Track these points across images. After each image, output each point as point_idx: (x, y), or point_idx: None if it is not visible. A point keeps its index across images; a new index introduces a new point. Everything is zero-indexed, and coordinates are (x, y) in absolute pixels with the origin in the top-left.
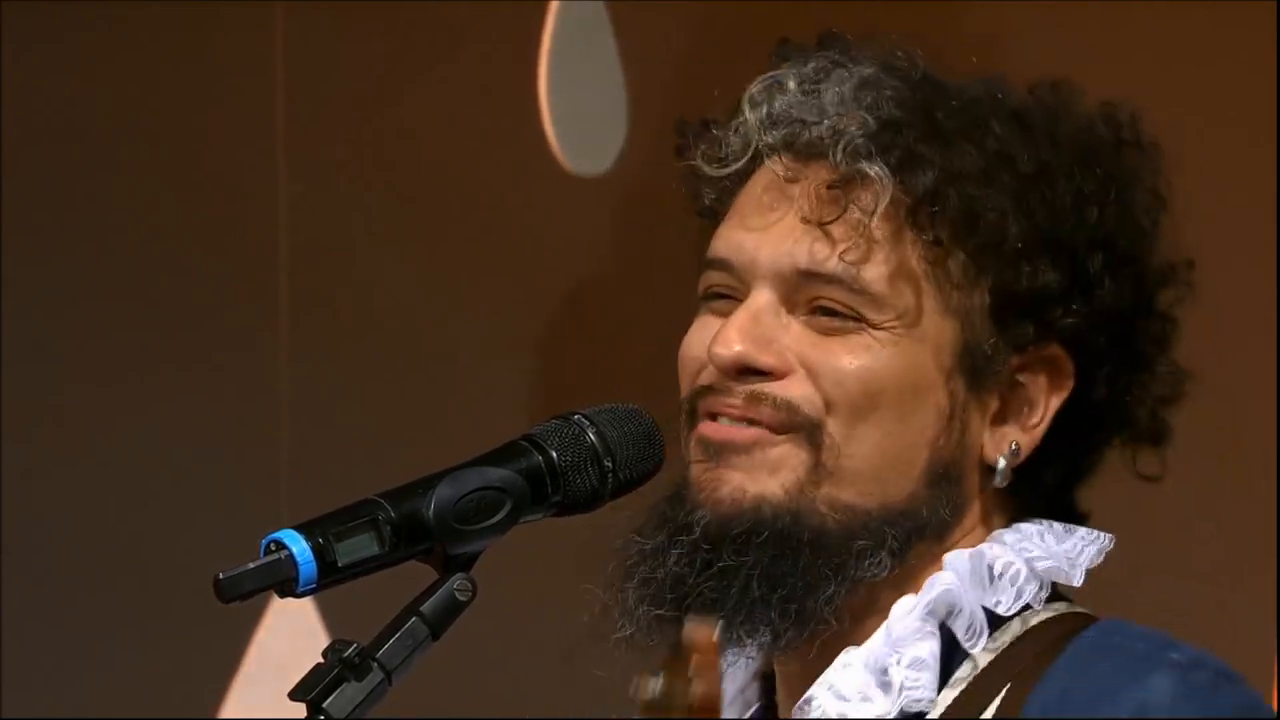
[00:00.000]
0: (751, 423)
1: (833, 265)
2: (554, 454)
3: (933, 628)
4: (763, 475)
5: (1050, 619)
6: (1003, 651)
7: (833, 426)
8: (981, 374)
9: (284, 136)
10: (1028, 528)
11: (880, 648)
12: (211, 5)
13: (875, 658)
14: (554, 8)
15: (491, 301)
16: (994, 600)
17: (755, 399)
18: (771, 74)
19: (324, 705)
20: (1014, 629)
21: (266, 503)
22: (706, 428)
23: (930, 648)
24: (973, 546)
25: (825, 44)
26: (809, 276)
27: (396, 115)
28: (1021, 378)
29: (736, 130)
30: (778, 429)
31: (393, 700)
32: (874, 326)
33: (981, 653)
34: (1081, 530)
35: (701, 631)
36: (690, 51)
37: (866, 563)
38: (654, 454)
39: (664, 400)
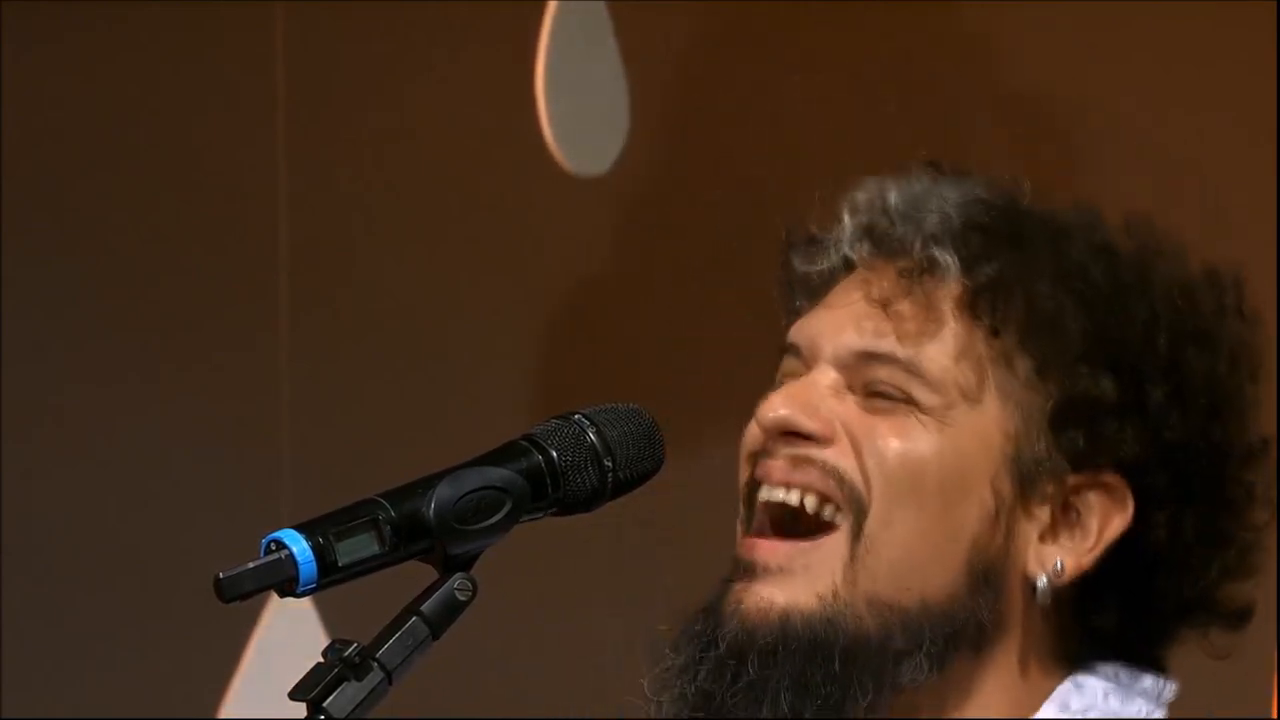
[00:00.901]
0: (793, 487)
1: (888, 345)
2: (554, 453)
3: None
4: (796, 585)
5: None
6: None
7: (875, 510)
8: (1032, 481)
9: (284, 136)
10: (1093, 686)
11: None
12: (211, 5)
13: None
14: (551, 8)
15: (492, 301)
16: None
17: (800, 461)
18: (874, 182)
19: (324, 705)
20: None
21: (267, 503)
22: (743, 547)
23: None
24: (1017, 678)
25: (932, 165)
26: (867, 357)
27: (397, 115)
28: (1076, 499)
29: (831, 232)
30: (822, 493)
31: (393, 700)
32: (923, 411)
33: None
34: (1147, 680)
35: None
36: (691, 51)
37: (904, 667)
38: (654, 453)
39: (665, 400)
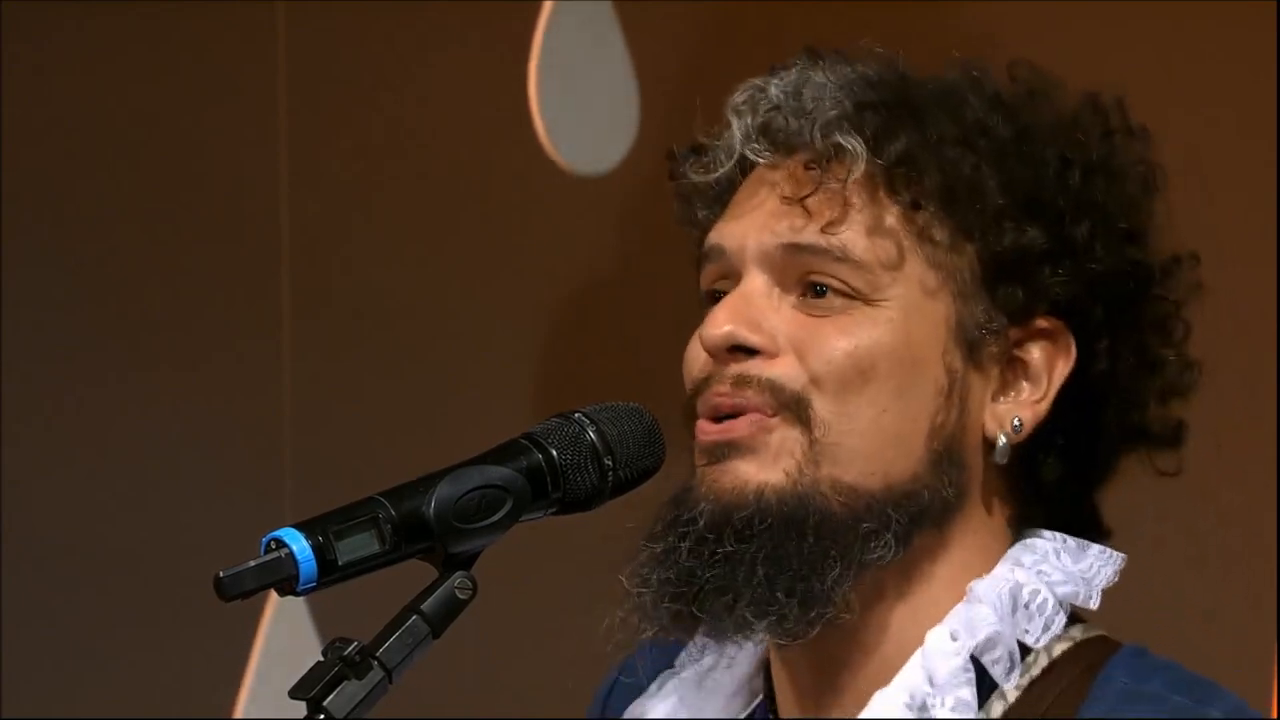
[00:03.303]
0: (738, 412)
1: (811, 235)
2: (554, 452)
3: (970, 666)
4: (765, 463)
5: (1073, 647)
6: (1031, 686)
7: (820, 403)
8: (978, 346)
9: (286, 136)
10: (1042, 545)
11: (919, 685)
12: (213, 5)
13: (915, 698)
14: (547, 7)
15: (493, 301)
16: (1024, 631)
17: (742, 382)
18: (752, 81)
19: (324, 704)
20: (1041, 660)
21: (269, 502)
22: (700, 433)
23: (971, 690)
24: (981, 542)
25: (808, 54)
26: (792, 250)
27: (399, 115)
28: (1020, 352)
29: (722, 139)
30: (765, 410)
31: (393, 700)
32: (866, 301)
33: (1012, 689)
34: (1095, 547)
35: None
36: (695, 51)
37: (872, 545)
38: (654, 452)
39: (665, 399)
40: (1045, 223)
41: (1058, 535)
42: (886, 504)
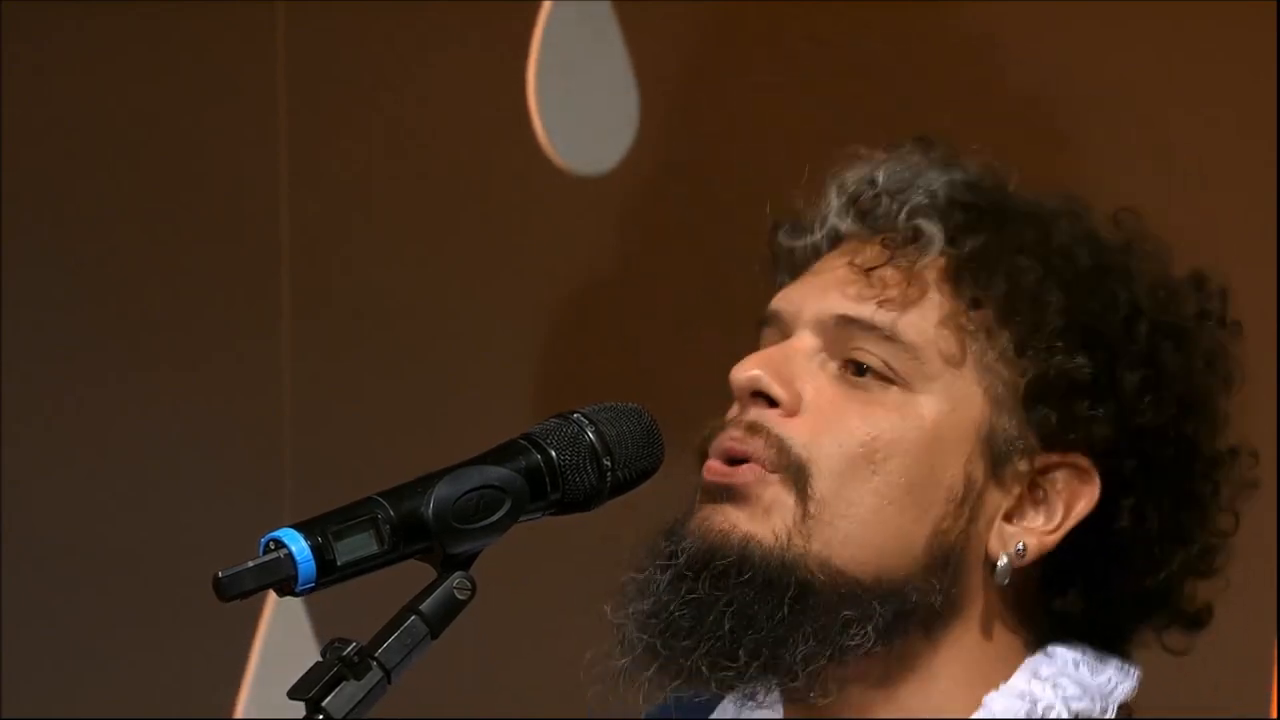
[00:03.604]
0: (743, 459)
1: (868, 311)
2: (553, 453)
3: None
4: (756, 515)
5: None
6: None
7: (819, 479)
8: (1004, 460)
9: (285, 136)
10: (1062, 655)
11: None
12: (212, 5)
13: None
14: (546, 7)
15: (494, 301)
16: None
17: (753, 429)
18: (865, 165)
19: (323, 704)
20: None
21: (269, 502)
22: (705, 471)
23: None
24: (979, 655)
25: (923, 141)
26: (846, 322)
27: (399, 114)
28: (1044, 480)
29: (818, 209)
30: (766, 465)
31: (392, 700)
32: (903, 387)
33: None
34: (1115, 660)
35: None
36: (695, 51)
37: (851, 632)
38: (653, 452)
39: (665, 399)
40: (1096, 357)
41: (1078, 646)
42: (873, 598)
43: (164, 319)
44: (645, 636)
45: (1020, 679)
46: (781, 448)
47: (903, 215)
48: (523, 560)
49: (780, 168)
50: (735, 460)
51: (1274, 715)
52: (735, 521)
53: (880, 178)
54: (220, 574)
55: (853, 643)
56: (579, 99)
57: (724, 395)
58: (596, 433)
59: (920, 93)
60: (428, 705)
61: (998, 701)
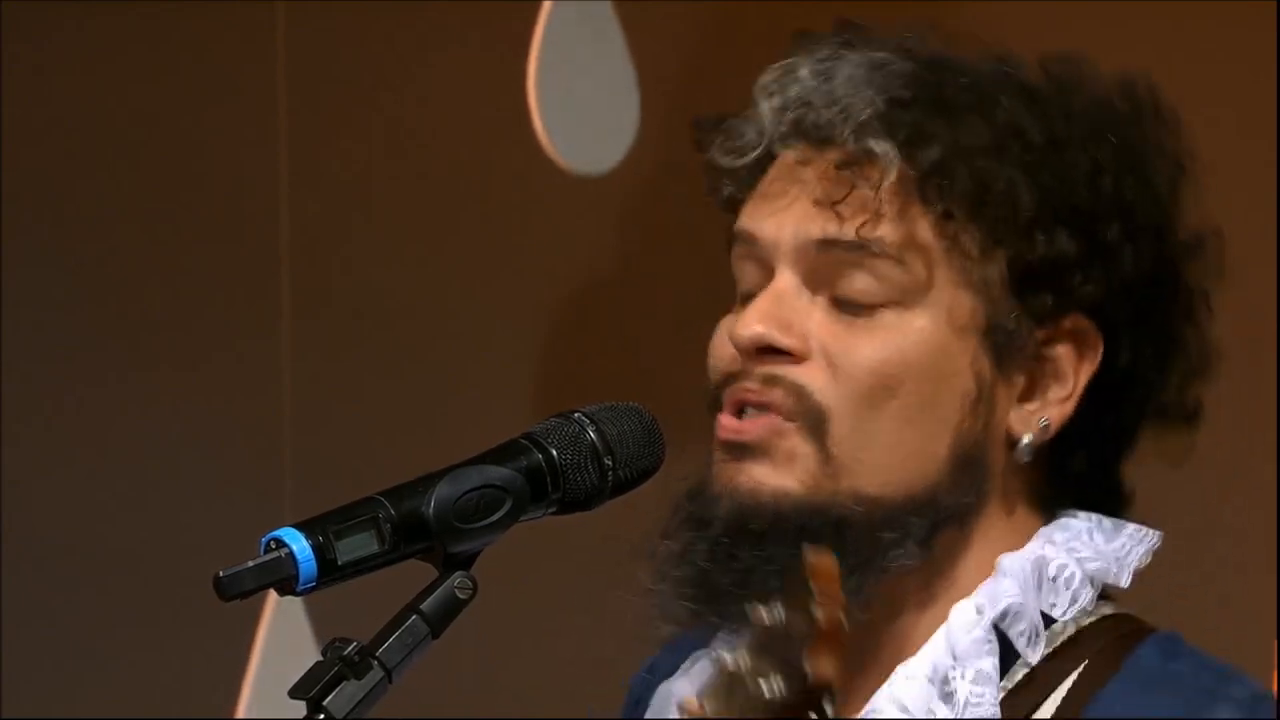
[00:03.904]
0: (763, 408)
1: (847, 231)
2: (554, 452)
3: (993, 637)
4: (780, 468)
5: (1099, 621)
6: (1053, 654)
7: (839, 419)
8: (1006, 351)
9: (285, 136)
10: (1076, 524)
11: (941, 658)
12: (212, 5)
13: (937, 670)
14: (546, 7)
15: (494, 300)
16: (1050, 604)
17: (770, 381)
18: (784, 62)
19: (324, 703)
20: (1066, 630)
21: (269, 502)
22: (720, 427)
23: (992, 661)
24: (1005, 537)
25: (840, 31)
26: (827, 246)
27: (398, 115)
28: (1047, 352)
29: (750, 120)
30: (787, 415)
31: (392, 700)
32: (899, 306)
33: (1036, 659)
34: (1130, 527)
35: (823, 559)
36: (696, 50)
37: (893, 553)
38: (654, 451)
39: (665, 398)
40: (1076, 229)
41: (1093, 516)
42: (908, 512)
43: (164, 319)
44: (689, 603)
45: (1034, 545)
46: (801, 394)
47: (849, 133)
48: (524, 560)
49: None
50: (758, 407)
51: (1274, 717)
52: (760, 477)
53: (805, 76)
54: (221, 573)
55: (895, 562)
56: (579, 99)
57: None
58: (597, 432)
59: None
60: (428, 705)
61: (1009, 560)
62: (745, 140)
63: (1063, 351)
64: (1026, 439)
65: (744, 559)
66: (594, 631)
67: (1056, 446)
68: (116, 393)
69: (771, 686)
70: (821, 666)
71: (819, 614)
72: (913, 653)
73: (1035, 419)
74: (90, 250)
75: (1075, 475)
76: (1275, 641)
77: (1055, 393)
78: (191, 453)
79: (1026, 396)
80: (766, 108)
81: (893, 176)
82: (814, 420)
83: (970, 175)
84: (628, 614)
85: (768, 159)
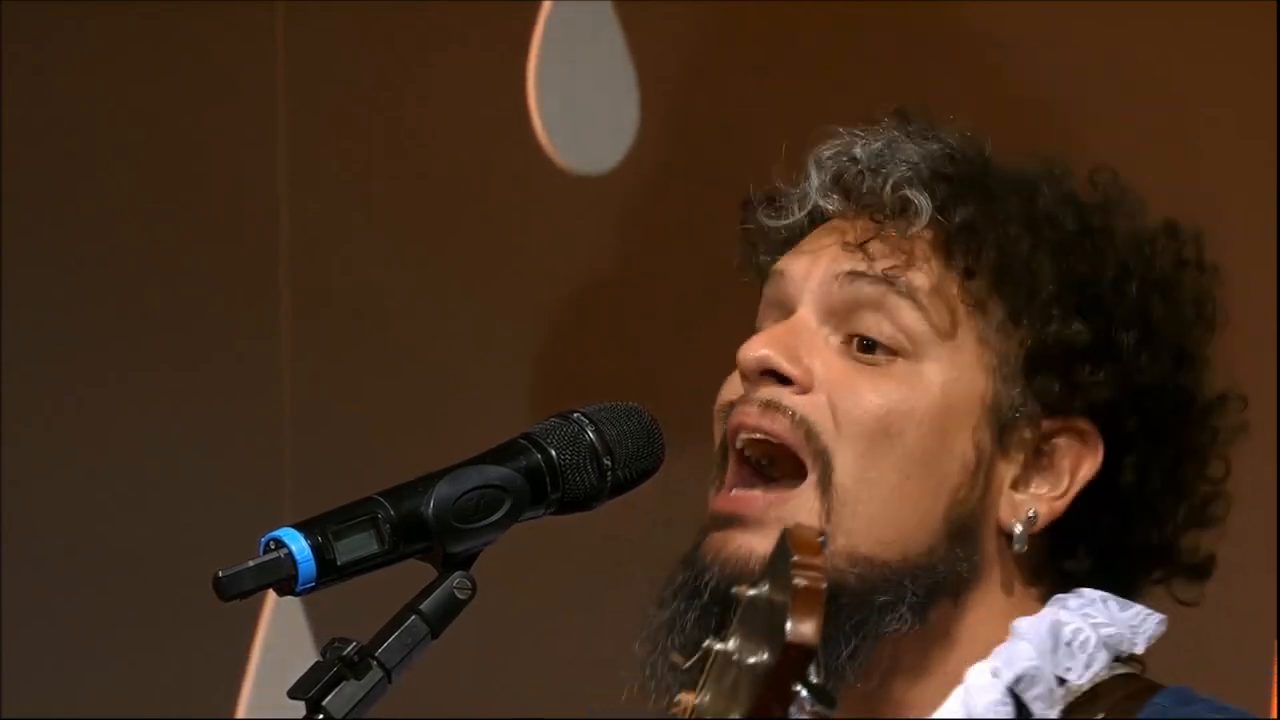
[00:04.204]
0: (759, 433)
1: (874, 269)
2: (553, 452)
3: (1008, 700)
4: (773, 534)
5: (1114, 679)
6: (1069, 709)
7: (842, 463)
8: (1009, 429)
9: (285, 135)
10: (1089, 593)
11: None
12: (212, 4)
13: None
14: (546, 7)
15: (493, 300)
16: (1065, 668)
17: (771, 408)
18: (841, 139)
19: (323, 703)
20: (1077, 690)
21: (269, 502)
22: (715, 501)
23: None
24: (1003, 608)
25: (899, 119)
26: (852, 278)
27: (398, 115)
28: (1048, 446)
29: (798, 188)
30: (789, 444)
31: (392, 700)
32: (909, 358)
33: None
34: (1139, 605)
35: (805, 531)
36: (696, 50)
37: (888, 618)
38: (653, 452)
39: (665, 399)
40: (1093, 321)
41: (1102, 592)
42: (903, 575)
43: (164, 318)
44: (684, 676)
45: (1049, 610)
46: (809, 432)
47: (888, 189)
48: (523, 560)
49: (780, 167)
50: (754, 431)
51: (1274, 715)
52: (751, 545)
53: (860, 153)
54: (220, 573)
55: (891, 627)
56: (579, 99)
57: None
58: (596, 432)
59: (920, 92)
60: (427, 705)
61: (1025, 624)
62: (790, 204)
63: (1063, 448)
64: (1017, 528)
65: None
66: (594, 631)
67: (1055, 549)
68: (116, 393)
69: (758, 658)
70: (802, 631)
71: (798, 581)
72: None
73: (1024, 508)
74: (90, 250)
75: (1081, 579)
76: (1275, 641)
77: (1049, 488)
78: (191, 453)
79: (1020, 485)
80: (815, 176)
81: (921, 225)
82: (821, 465)
83: (996, 241)
84: (627, 614)
85: (808, 226)
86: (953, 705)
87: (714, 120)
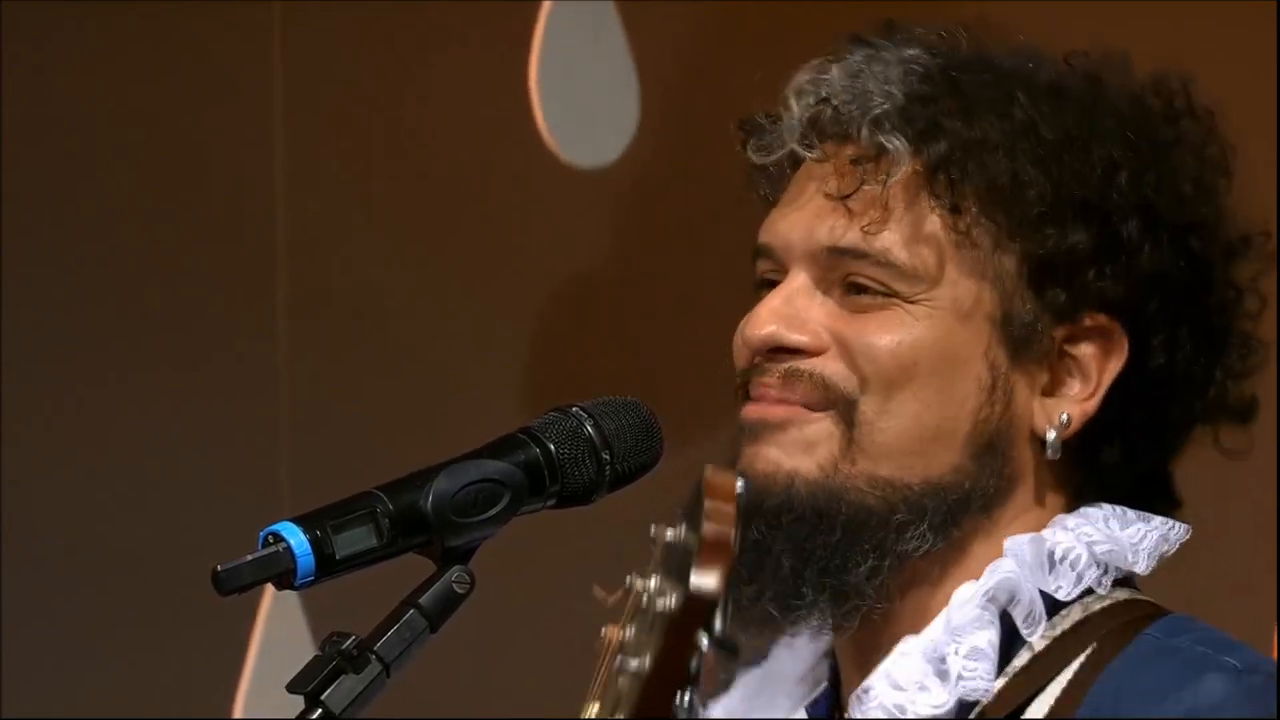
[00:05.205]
0: (788, 402)
1: (853, 238)
2: (552, 446)
3: (992, 615)
4: (798, 452)
5: (1111, 606)
6: (1058, 638)
7: (867, 403)
8: (1023, 344)
9: (282, 135)
10: (1093, 512)
11: (939, 636)
12: (210, 4)
13: (933, 646)
14: (546, 7)
15: (490, 298)
16: (1054, 586)
17: (791, 376)
18: (816, 62)
19: (322, 697)
20: (1074, 614)
21: (267, 502)
22: (746, 410)
23: (989, 636)
24: (1031, 524)
25: (880, 31)
26: (834, 253)
27: (396, 114)
28: (1071, 349)
29: (780, 119)
30: (814, 406)
31: (391, 695)
32: (905, 300)
33: (1039, 640)
34: (1156, 519)
35: (721, 477)
36: (694, 46)
37: (908, 535)
38: (652, 446)
39: (664, 395)
40: (1090, 224)
41: (1117, 507)
42: (924, 496)
43: (163, 318)
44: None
45: (1045, 530)
46: (826, 386)
47: (864, 128)
48: (522, 554)
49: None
50: (781, 404)
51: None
52: (778, 460)
53: (834, 80)
54: (219, 568)
55: (910, 545)
56: (580, 97)
57: (723, 390)
58: (595, 426)
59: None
60: (426, 700)
61: (1013, 542)
62: (773, 138)
63: (1086, 349)
64: (1050, 433)
65: (756, 537)
66: (593, 626)
67: (1090, 442)
68: (116, 392)
69: (667, 603)
70: (705, 582)
71: (706, 529)
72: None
73: (1056, 413)
74: (89, 250)
75: (1111, 471)
76: (1275, 641)
77: (1077, 389)
78: (190, 452)
79: (1049, 391)
80: (795, 107)
81: (901, 171)
82: (844, 409)
83: (979, 169)
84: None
85: (795, 161)
86: (937, 621)
87: (716, 115)
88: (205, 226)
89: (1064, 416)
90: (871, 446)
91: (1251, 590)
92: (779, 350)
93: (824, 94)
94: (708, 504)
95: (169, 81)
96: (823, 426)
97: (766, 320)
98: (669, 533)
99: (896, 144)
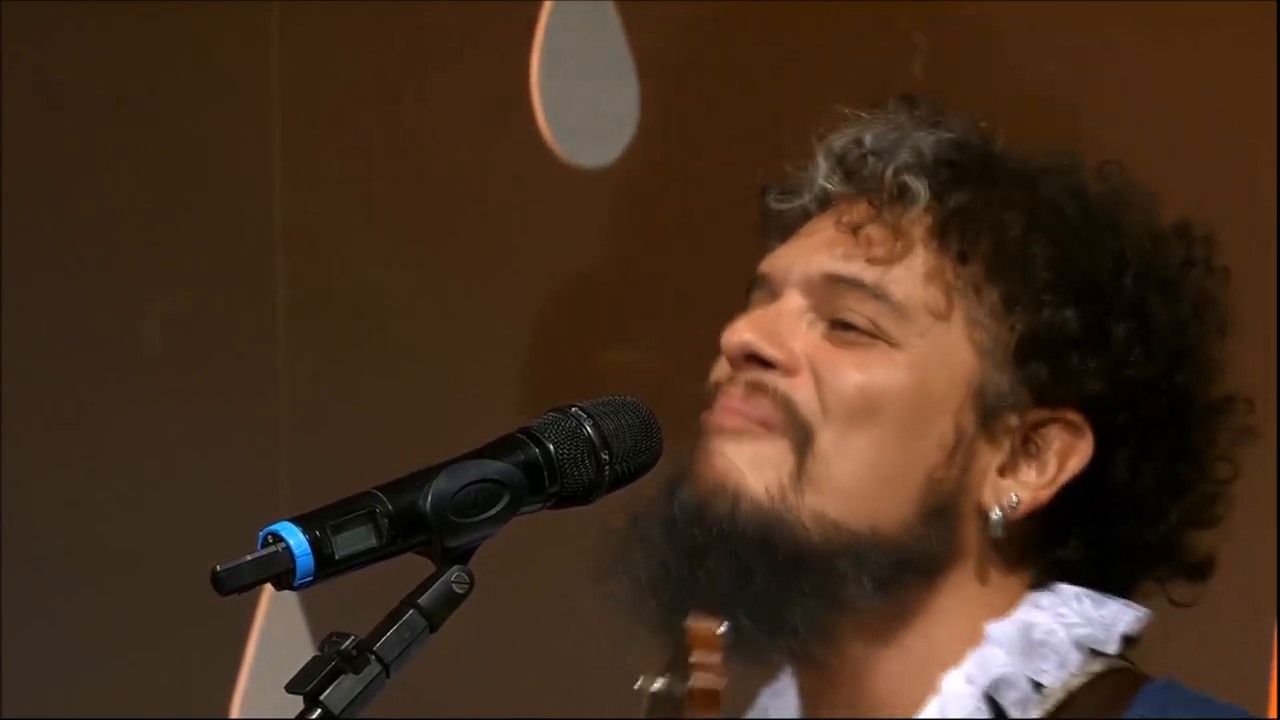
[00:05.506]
0: (746, 415)
1: (855, 269)
2: (551, 446)
3: (985, 707)
4: (746, 465)
5: (1091, 682)
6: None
7: (825, 435)
8: (994, 414)
9: (280, 135)
10: (1065, 590)
11: None
12: (209, 4)
13: None
14: (546, 7)
15: (489, 297)
16: (1037, 669)
17: (755, 389)
18: (854, 129)
19: (321, 698)
20: (1055, 695)
21: (266, 502)
22: (706, 417)
23: None
24: (980, 599)
25: (905, 106)
26: (834, 281)
27: (396, 115)
28: (1036, 435)
29: (806, 173)
30: (773, 425)
31: (390, 695)
32: (890, 343)
33: None
34: (1119, 601)
35: (704, 628)
36: (694, 46)
37: (847, 585)
38: (651, 446)
39: (664, 396)
40: (1087, 310)
41: (1081, 589)
42: (867, 547)
43: (163, 319)
44: (644, 588)
45: (1021, 611)
46: (789, 408)
47: (889, 174)
48: (522, 554)
49: (780, 165)
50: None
51: (1274, 715)
52: (726, 469)
53: (867, 138)
54: (218, 568)
55: (849, 593)
56: (581, 96)
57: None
58: (595, 426)
59: (920, 92)
60: (426, 699)
61: (996, 628)
62: (796, 186)
63: (1052, 438)
64: (995, 512)
65: (697, 542)
66: (593, 627)
67: (1045, 538)
68: (116, 392)
69: None
70: None
71: (695, 681)
72: (906, 713)
73: (1006, 492)
74: (89, 249)
75: (1072, 567)
76: (1275, 641)
77: (1033, 477)
78: (190, 452)
79: (1005, 471)
80: (823, 159)
81: (917, 210)
82: (800, 438)
83: (994, 227)
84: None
85: (816, 210)
86: (930, 713)
87: (716, 115)
88: (205, 226)
89: (1013, 497)
90: (822, 481)
91: (1251, 590)
92: (752, 359)
93: (854, 145)
94: (695, 655)
95: (168, 81)
96: (777, 447)
97: (745, 329)
98: (656, 684)
99: (917, 186)
